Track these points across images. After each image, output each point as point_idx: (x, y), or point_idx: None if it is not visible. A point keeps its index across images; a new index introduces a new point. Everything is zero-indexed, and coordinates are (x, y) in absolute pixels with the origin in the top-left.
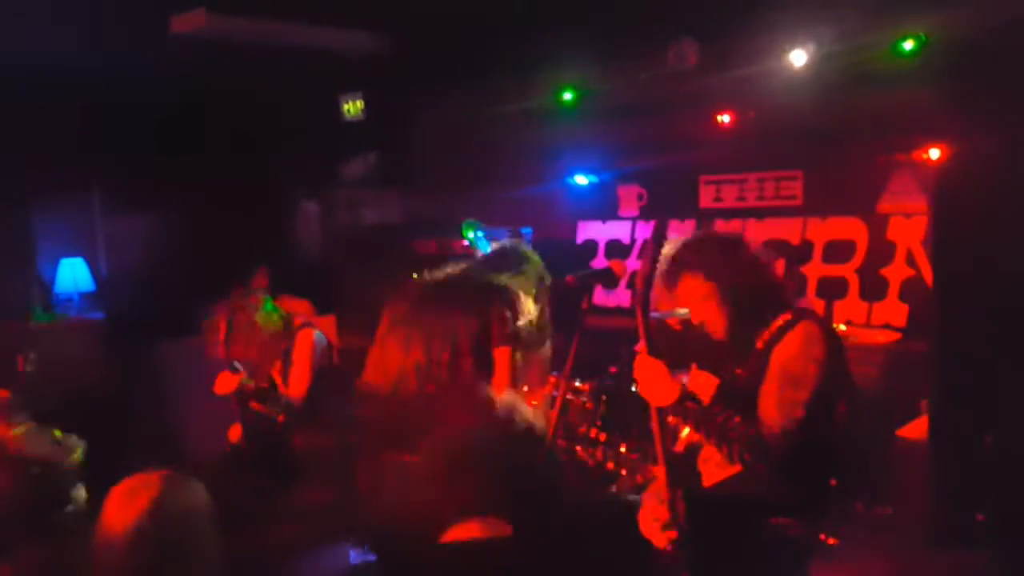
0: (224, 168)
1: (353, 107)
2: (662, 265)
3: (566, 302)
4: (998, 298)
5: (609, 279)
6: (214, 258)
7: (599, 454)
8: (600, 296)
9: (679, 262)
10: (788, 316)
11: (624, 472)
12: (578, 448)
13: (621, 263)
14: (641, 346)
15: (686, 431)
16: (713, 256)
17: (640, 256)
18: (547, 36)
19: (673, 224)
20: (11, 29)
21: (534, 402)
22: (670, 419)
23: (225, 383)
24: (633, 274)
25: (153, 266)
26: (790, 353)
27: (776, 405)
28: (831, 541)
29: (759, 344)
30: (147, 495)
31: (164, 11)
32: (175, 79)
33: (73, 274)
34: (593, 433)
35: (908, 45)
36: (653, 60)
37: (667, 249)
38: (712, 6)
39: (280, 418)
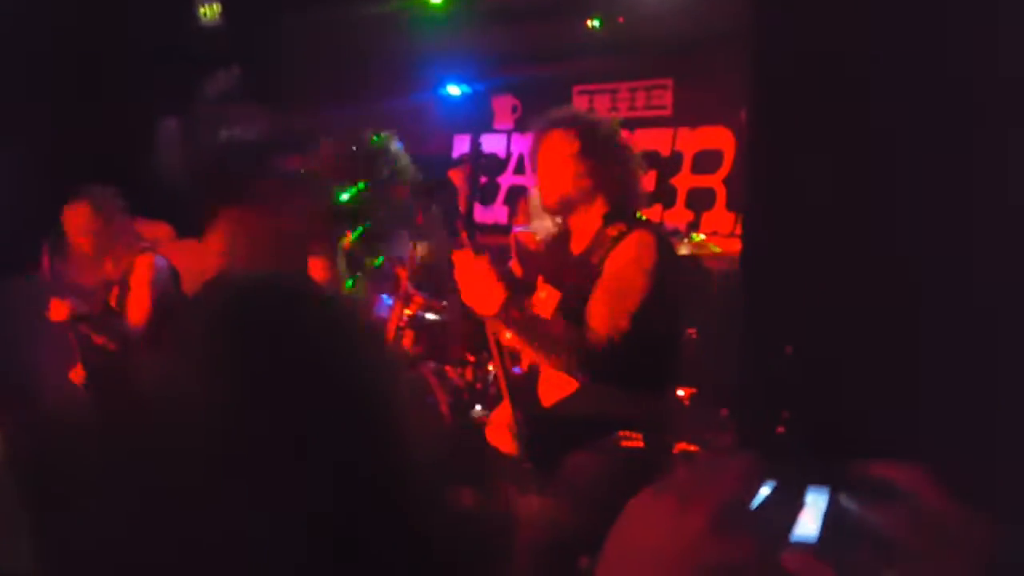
0: (74, 87)
1: (210, 10)
2: (537, 122)
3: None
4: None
5: (447, 189)
6: (64, 185)
7: (468, 374)
8: (478, 212)
9: (553, 118)
10: (623, 226)
11: (492, 391)
12: (447, 368)
13: (459, 172)
14: (464, 243)
15: (508, 335)
16: (587, 121)
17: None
18: None
19: None
20: None
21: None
22: (497, 328)
23: (58, 309)
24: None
25: None
26: (621, 263)
27: (606, 314)
28: (692, 448)
29: (593, 258)
30: None
31: None
32: None
33: None
34: (461, 353)
35: None
36: None
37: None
38: None
39: (112, 346)
